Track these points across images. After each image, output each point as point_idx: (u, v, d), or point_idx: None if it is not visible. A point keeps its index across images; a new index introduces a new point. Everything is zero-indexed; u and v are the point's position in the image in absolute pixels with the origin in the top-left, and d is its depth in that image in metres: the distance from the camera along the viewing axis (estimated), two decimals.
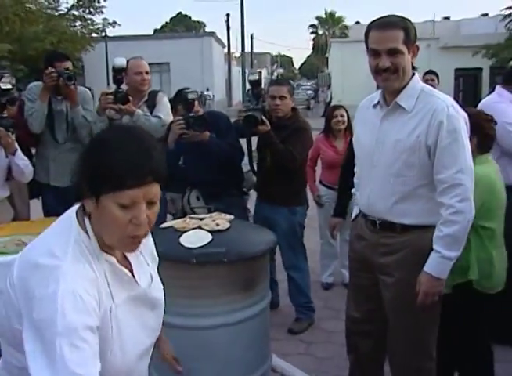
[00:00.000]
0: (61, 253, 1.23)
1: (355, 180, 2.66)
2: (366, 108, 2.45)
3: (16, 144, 3.33)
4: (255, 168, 3.92)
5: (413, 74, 2.27)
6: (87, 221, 1.29)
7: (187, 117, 3.34)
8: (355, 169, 2.65)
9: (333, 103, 22.89)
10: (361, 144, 2.46)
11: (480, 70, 24.93)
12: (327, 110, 4.84)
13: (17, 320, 1.25)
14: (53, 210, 3.49)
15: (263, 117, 3.48)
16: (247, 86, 3.88)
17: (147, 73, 3.69)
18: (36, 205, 4.11)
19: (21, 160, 3.33)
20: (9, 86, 3.42)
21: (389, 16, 2.27)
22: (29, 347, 1.17)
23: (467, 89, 25.74)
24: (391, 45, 2.15)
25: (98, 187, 1.22)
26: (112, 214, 1.22)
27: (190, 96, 3.38)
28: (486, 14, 33.41)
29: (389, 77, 2.19)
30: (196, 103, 3.45)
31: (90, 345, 1.17)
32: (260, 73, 5.09)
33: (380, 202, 2.32)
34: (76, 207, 1.34)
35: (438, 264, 2.20)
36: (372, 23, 2.26)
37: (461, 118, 2.18)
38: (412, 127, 2.20)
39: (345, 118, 4.53)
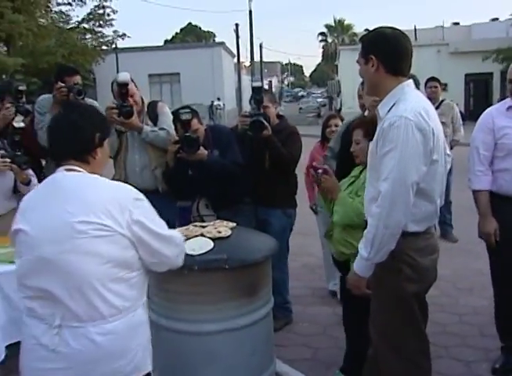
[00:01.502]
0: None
1: None
2: None
3: (34, 176, 3.54)
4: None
5: (403, 81, 2.25)
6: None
7: (182, 137, 3.44)
8: None
9: (343, 111, 22.88)
10: None
11: (491, 74, 24.79)
12: (323, 119, 4.85)
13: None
14: None
15: (265, 123, 3.57)
16: None
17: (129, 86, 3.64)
18: None
19: (33, 186, 3.42)
20: (22, 125, 3.56)
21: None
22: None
23: (478, 94, 25.59)
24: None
25: (107, 134, 1.98)
26: (108, 148, 2.01)
27: (184, 117, 3.44)
28: (497, 19, 33.23)
29: None
30: (194, 121, 3.49)
31: None
32: (270, 82, 5.12)
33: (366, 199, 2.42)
34: (56, 175, 2.01)
35: (357, 260, 2.25)
36: None
37: (410, 131, 2.09)
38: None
39: (339, 128, 4.49)
